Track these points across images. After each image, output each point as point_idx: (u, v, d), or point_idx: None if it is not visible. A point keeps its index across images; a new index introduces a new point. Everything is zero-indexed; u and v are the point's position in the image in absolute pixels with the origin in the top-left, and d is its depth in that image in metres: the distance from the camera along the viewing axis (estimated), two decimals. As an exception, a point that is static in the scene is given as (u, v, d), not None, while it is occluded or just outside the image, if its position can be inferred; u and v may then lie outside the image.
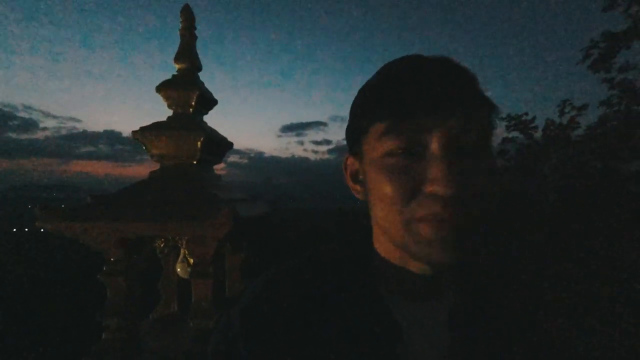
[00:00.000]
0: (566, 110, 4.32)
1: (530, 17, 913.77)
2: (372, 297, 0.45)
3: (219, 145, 1.91)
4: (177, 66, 1.85)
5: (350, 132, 0.47)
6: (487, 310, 0.46)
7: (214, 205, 1.49)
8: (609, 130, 3.88)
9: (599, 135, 3.93)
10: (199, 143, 1.70)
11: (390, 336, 0.42)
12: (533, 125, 4.57)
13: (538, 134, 4.55)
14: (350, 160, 0.49)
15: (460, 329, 0.44)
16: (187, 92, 1.77)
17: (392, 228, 0.40)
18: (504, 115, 4.73)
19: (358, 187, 0.48)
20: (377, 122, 0.40)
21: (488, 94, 0.42)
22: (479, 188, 0.37)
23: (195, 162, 1.74)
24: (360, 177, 0.47)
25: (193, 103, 1.78)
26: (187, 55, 1.83)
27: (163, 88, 1.79)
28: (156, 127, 1.73)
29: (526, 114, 4.65)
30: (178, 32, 1.84)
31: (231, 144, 1.99)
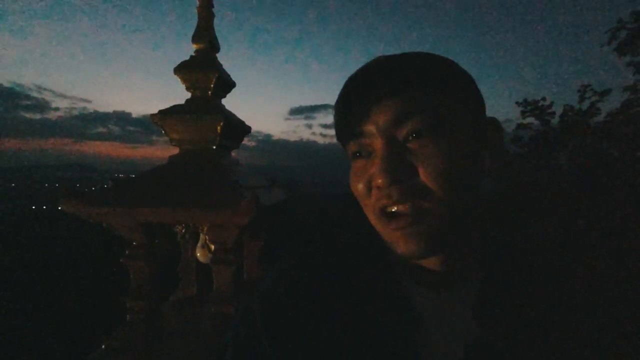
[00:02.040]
0: (587, 96, 4.17)
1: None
2: (390, 284, 0.46)
3: (238, 130, 1.87)
4: (194, 46, 1.79)
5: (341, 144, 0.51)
6: (513, 300, 0.45)
7: (236, 192, 1.47)
8: (632, 117, 3.74)
9: (621, 122, 3.81)
10: (218, 127, 1.66)
11: (409, 324, 0.43)
12: (550, 111, 4.43)
13: (555, 120, 4.42)
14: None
15: (485, 318, 0.43)
16: (206, 74, 1.71)
17: (372, 222, 0.44)
18: (519, 100, 4.60)
19: None
20: (341, 131, 0.45)
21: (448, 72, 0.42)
22: (419, 175, 0.39)
23: (214, 147, 1.71)
24: None
25: (212, 85, 1.73)
26: (205, 34, 1.76)
27: (181, 70, 1.73)
28: (175, 110, 1.69)
29: (544, 99, 4.51)
30: (195, 10, 1.77)
31: (249, 128, 1.95)
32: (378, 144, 0.41)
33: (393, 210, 0.40)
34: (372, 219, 0.44)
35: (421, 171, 0.39)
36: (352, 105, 0.42)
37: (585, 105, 4.17)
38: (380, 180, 0.39)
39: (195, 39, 1.76)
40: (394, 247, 0.41)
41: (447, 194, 0.39)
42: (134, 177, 1.59)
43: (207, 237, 1.67)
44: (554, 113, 4.39)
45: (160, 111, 1.68)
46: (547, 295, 0.46)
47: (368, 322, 0.43)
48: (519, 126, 4.56)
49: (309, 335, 0.43)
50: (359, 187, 0.43)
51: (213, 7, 1.78)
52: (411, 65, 0.41)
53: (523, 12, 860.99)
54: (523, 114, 4.48)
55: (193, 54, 1.78)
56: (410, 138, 0.40)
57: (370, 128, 0.41)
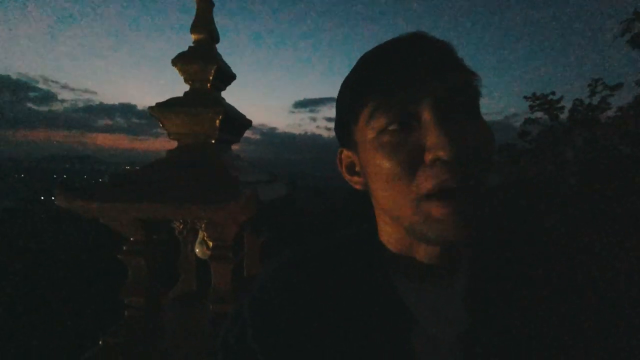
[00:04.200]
0: (597, 90, 4.06)
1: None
2: (381, 282, 0.44)
3: (238, 123, 1.83)
4: (193, 37, 1.73)
5: (340, 125, 0.47)
6: (504, 292, 0.44)
7: (235, 187, 1.43)
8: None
9: (632, 117, 3.70)
10: (217, 121, 1.61)
11: (401, 320, 0.42)
12: (560, 105, 4.33)
13: (564, 115, 4.32)
14: (345, 154, 0.49)
15: (477, 311, 0.42)
16: (205, 65, 1.66)
17: (399, 209, 0.39)
18: (528, 94, 4.50)
19: (355, 178, 0.48)
20: (364, 106, 0.40)
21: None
22: (478, 149, 0.37)
23: (213, 141, 1.66)
24: (357, 168, 0.47)
25: (211, 77, 1.68)
26: (204, 25, 1.70)
27: (179, 61, 1.68)
28: (173, 103, 1.64)
29: (553, 93, 4.40)
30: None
31: (250, 122, 1.90)
32: (432, 113, 0.36)
33: (451, 185, 0.35)
34: (405, 202, 0.38)
35: (478, 149, 0.37)
36: (396, 72, 0.38)
37: (596, 99, 4.06)
38: (445, 152, 0.34)
39: (193, 29, 1.71)
40: (437, 231, 0.37)
41: (490, 177, 0.38)
42: (130, 171, 1.55)
43: (205, 234, 1.64)
44: (563, 108, 4.29)
45: (158, 104, 1.63)
46: (539, 286, 0.45)
47: (360, 321, 0.42)
48: (527, 121, 4.47)
49: (300, 339, 0.42)
50: (394, 164, 0.37)
51: (212, -4, 1.72)
52: (451, 46, 0.41)
53: (532, 3, 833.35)
54: (531, 108, 4.38)
55: (192, 45, 1.73)
56: (464, 111, 0.38)
57: (423, 96, 0.37)
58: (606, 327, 0.42)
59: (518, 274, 0.45)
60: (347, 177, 0.49)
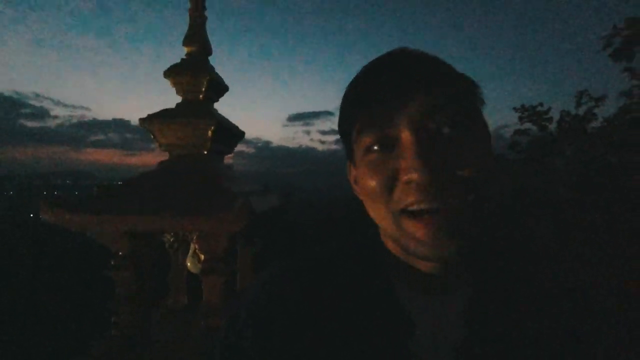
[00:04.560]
0: (583, 101, 4.16)
1: (548, 0, 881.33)
2: (382, 292, 0.44)
3: (231, 134, 1.82)
4: (186, 49, 1.74)
5: (342, 138, 0.48)
6: (503, 304, 0.43)
7: (227, 198, 1.41)
8: (628, 123, 3.74)
9: (617, 128, 3.80)
10: (209, 131, 1.60)
11: (402, 330, 0.41)
12: (548, 116, 4.42)
13: (553, 126, 4.41)
14: (351, 166, 0.50)
15: (476, 323, 0.42)
16: (197, 77, 1.66)
17: (384, 223, 0.41)
18: (517, 106, 4.60)
19: (358, 189, 0.47)
20: (354, 124, 0.41)
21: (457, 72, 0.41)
22: (457, 170, 0.36)
23: (205, 152, 1.65)
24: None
25: (203, 89, 1.68)
26: (197, 37, 1.72)
27: (171, 73, 1.68)
28: (164, 114, 1.63)
29: (541, 104, 4.49)
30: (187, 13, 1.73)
31: (243, 133, 1.89)
32: (406, 135, 0.37)
33: (424, 207, 0.36)
34: (388, 218, 0.39)
35: (457, 164, 0.36)
36: (377, 91, 0.38)
37: (582, 110, 4.17)
38: (416, 175, 0.35)
39: (186, 41, 1.72)
40: (417, 249, 0.37)
41: (481, 191, 0.37)
42: (119, 183, 1.53)
43: (197, 247, 1.60)
44: (551, 119, 4.38)
45: (149, 115, 1.62)
46: (539, 300, 0.44)
47: (359, 329, 0.41)
48: (517, 132, 4.55)
49: (298, 343, 0.41)
50: (375, 183, 0.39)
51: (205, 9, 1.74)
52: (435, 59, 0.41)
53: (519, 18, 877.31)
54: (521, 119, 4.47)
55: (184, 57, 1.73)
56: (445, 129, 0.37)
57: (399, 117, 0.37)
58: (602, 339, 0.41)
59: (514, 286, 0.45)
60: (354, 187, 0.50)
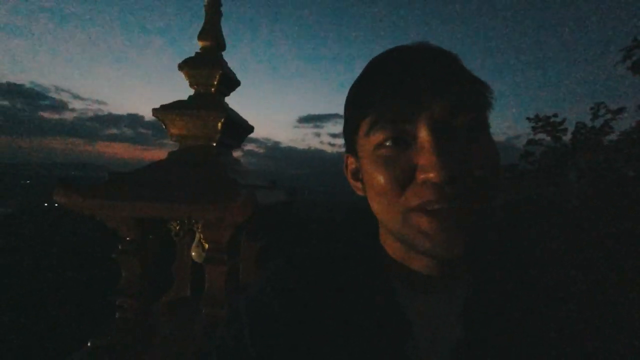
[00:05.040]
0: (600, 114, 4.09)
1: (566, 10, 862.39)
2: (381, 291, 0.44)
3: (240, 128, 1.85)
4: (200, 44, 1.79)
5: (346, 131, 0.47)
6: (502, 305, 0.43)
7: (233, 189, 1.43)
8: (647, 135, 3.65)
9: (635, 141, 3.71)
10: (219, 124, 1.63)
11: (399, 331, 0.41)
12: (562, 127, 4.35)
13: (567, 137, 4.33)
14: (350, 159, 0.49)
15: (474, 323, 0.42)
16: (210, 70, 1.70)
17: (390, 220, 0.40)
18: (531, 116, 4.54)
19: (359, 185, 0.48)
20: (365, 118, 0.40)
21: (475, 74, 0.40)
22: (474, 171, 0.36)
23: (214, 144, 1.68)
24: (360, 175, 0.47)
25: (215, 82, 1.72)
26: (212, 32, 1.76)
27: (185, 66, 1.72)
28: (176, 105, 1.67)
29: (555, 115, 4.43)
30: (203, 9, 1.77)
31: (252, 128, 1.92)
32: (426, 133, 0.36)
33: (438, 207, 0.35)
34: (394, 213, 0.39)
35: (473, 166, 0.36)
36: (396, 85, 0.37)
37: (599, 123, 4.08)
38: (433, 174, 0.34)
39: (201, 36, 1.76)
40: (426, 245, 0.37)
41: (492, 195, 0.37)
42: (130, 171, 1.56)
43: (202, 236, 1.62)
44: (566, 130, 4.31)
45: (162, 106, 1.66)
46: (536, 304, 0.44)
47: (358, 328, 0.42)
48: (530, 142, 4.48)
49: (297, 342, 0.42)
50: (385, 179, 0.38)
51: (221, 5, 1.78)
52: (458, 60, 0.40)
53: (536, 28, 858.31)
54: (534, 129, 4.41)
55: (198, 51, 1.77)
56: (464, 130, 0.37)
57: (419, 114, 0.36)
58: (604, 348, 0.41)
59: (516, 292, 0.45)
60: (352, 182, 0.50)
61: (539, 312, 0.43)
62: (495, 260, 0.48)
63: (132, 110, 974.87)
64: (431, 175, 0.34)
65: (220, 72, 1.69)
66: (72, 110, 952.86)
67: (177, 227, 1.62)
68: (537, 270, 0.48)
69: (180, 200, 1.37)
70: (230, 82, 1.82)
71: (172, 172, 1.55)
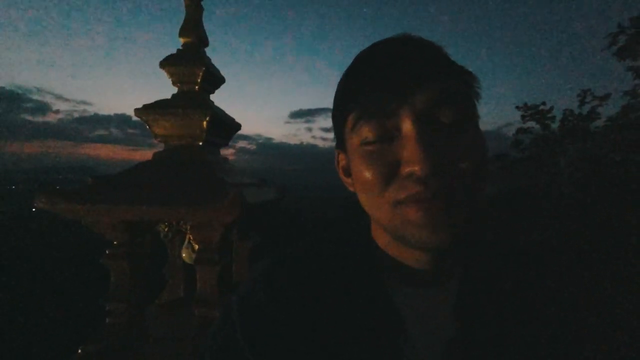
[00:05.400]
0: (587, 100, 4.13)
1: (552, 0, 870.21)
2: (373, 286, 0.44)
3: (226, 126, 1.82)
4: (181, 40, 1.74)
5: (334, 127, 0.47)
6: (494, 300, 0.43)
7: (221, 189, 1.41)
8: (632, 121, 3.70)
9: (621, 127, 3.76)
10: (204, 122, 1.60)
11: (392, 327, 0.41)
12: (550, 115, 4.39)
13: (555, 125, 4.38)
14: (340, 156, 0.49)
15: (466, 318, 0.42)
16: (193, 67, 1.66)
17: (379, 214, 0.40)
18: (519, 105, 4.57)
19: (349, 181, 0.47)
20: (350, 113, 0.40)
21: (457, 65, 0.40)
22: (460, 163, 0.36)
23: (201, 143, 1.65)
24: (350, 170, 0.46)
25: (199, 80, 1.68)
26: (193, 28, 1.72)
27: (166, 63, 1.68)
28: (160, 105, 1.64)
29: (544, 103, 4.47)
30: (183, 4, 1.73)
31: (239, 125, 1.89)
32: (409, 126, 0.36)
33: (423, 199, 0.36)
34: (383, 207, 0.39)
35: (458, 160, 0.36)
36: (380, 80, 0.37)
37: (586, 109, 4.13)
38: (418, 167, 0.34)
39: (182, 32, 1.72)
40: (413, 236, 0.37)
41: (478, 186, 0.37)
42: (114, 174, 1.53)
43: (191, 237, 1.60)
44: (554, 117, 4.35)
45: (144, 105, 1.62)
46: (529, 298, 0.44)
47: (351, 323, 0.42)
48: (520, 130, 4.52)
49: (289, 339, 0.41)
50: (373, 174, 0.38)
51: (201, 0, 1.74)
52: (441, 50, 0.39)
53: (523, 15, 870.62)
54: (523, 118, 4.44)
55: (180, 48, 1.73)
56: (448, 122, 0.37)
57: (402, 108, 0.36)
58: (597, 340, 0.41)
59: (508, 286, 0.45)
60: (343, 178, 0.50)
61: (531, 306, 0.43)
62: (487, 254, 0.48)
63: (120, 110, 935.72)
64: (415, 168, 0.35)
65: (204, 69, 1.66)
66: (56, 112, 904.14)
67: (166, 229, 1.59)
68: (529, 264, 0.48)
69: (168, 202, 1.34)
70: (215, 79, 1.79)
71: (158, 173, 1.52)
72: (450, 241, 0.36)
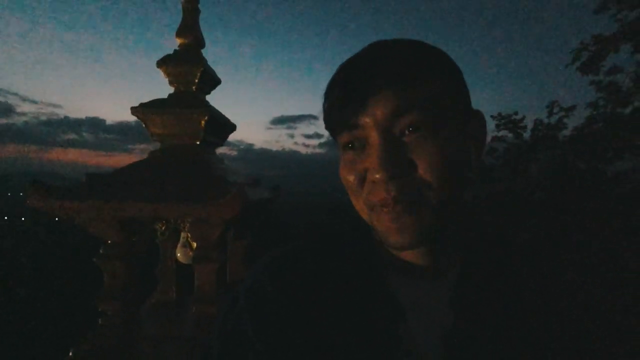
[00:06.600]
0: (554, 111, 4.42)
1: (522, 17, 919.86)
2: (374, 278, 0.46)
3: (223, 127, 1.83)
4: (178, 41, 1.76)
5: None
6: (490, 292, 0.46)
7: (221, 186, 1.42)
8: (594, 132, 3.99)
9: (585, 136, 4.05)
10: (202, 122, 1.62)
11: (392, 316, 0.43)
12: (522, 124, 4.66)
13: (527, 134, 4.65)
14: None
15: (462, 308, 0.44)
16: (191, 68, 1.68)
17: (363, 214, 0.44)
18: (494, 114, 4.82)
19: None
20: (331, 123, 0.44)
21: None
22: (424, 167, 0.38)
23: (198, 143, 1.66)
24: None
25: (196, 80, 1.70)
26: (190, 29, 1.73)
27: (164, 63, 1.69)
28: (157, 104, 1.64)
29: (516, 113, 4.74)
30: (180, 5, 1.74)
31: (234, 126, 1.91)
32: (374, 136, 0.39)
33: (387, 203, 0.39)
34: (363, 210, 0.43)
35: (419, 166, 0.38)
36: (346, 94, 0.40)
37: (554, 119, 4.42)
38: (377, 175, 0.38)
39: (180, 33, 1.73)
40: (385, 237, 0.41)
41: (443, 188, 0.39)
42: (109, 172, 1.51)
43: (188, 235, 1.59)
44: (525, 127, 4.62)
45: (141, 104, 1.62)
46: (525, 287, 0.46)
47: (352, 313, 0.43)
48: (494, 138, 4.75)
49: (295, 328, 0.43)
50: (350, 178, 0.43)
51: (199, 2, 1.77)
52: (408, 56, 0.40)
53: (499, 28, 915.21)
54: (498, 127, 4.68)
55: (177, 49, 1.75)
56: (408, 131, 0.39)
57: (366, 120, 0.39)
58: (584, 335, 0.44)
59: (501, 274, 0.47)
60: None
61: (526, 298, 0.45)
62: (485, 248, 0.50)
63: (92, 113, 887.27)
64: (377, 175, 0.38)
65: (202, 69, 1.68)
66: (21, 114, 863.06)
67: (163, 227, 1.58)
68: (519, 259, 0.51)
69: (168, 199, 1.34)
70: (211, 80, 1.81)
71: (156, 171, 1.51)
72: (415, 242, 0.39)
